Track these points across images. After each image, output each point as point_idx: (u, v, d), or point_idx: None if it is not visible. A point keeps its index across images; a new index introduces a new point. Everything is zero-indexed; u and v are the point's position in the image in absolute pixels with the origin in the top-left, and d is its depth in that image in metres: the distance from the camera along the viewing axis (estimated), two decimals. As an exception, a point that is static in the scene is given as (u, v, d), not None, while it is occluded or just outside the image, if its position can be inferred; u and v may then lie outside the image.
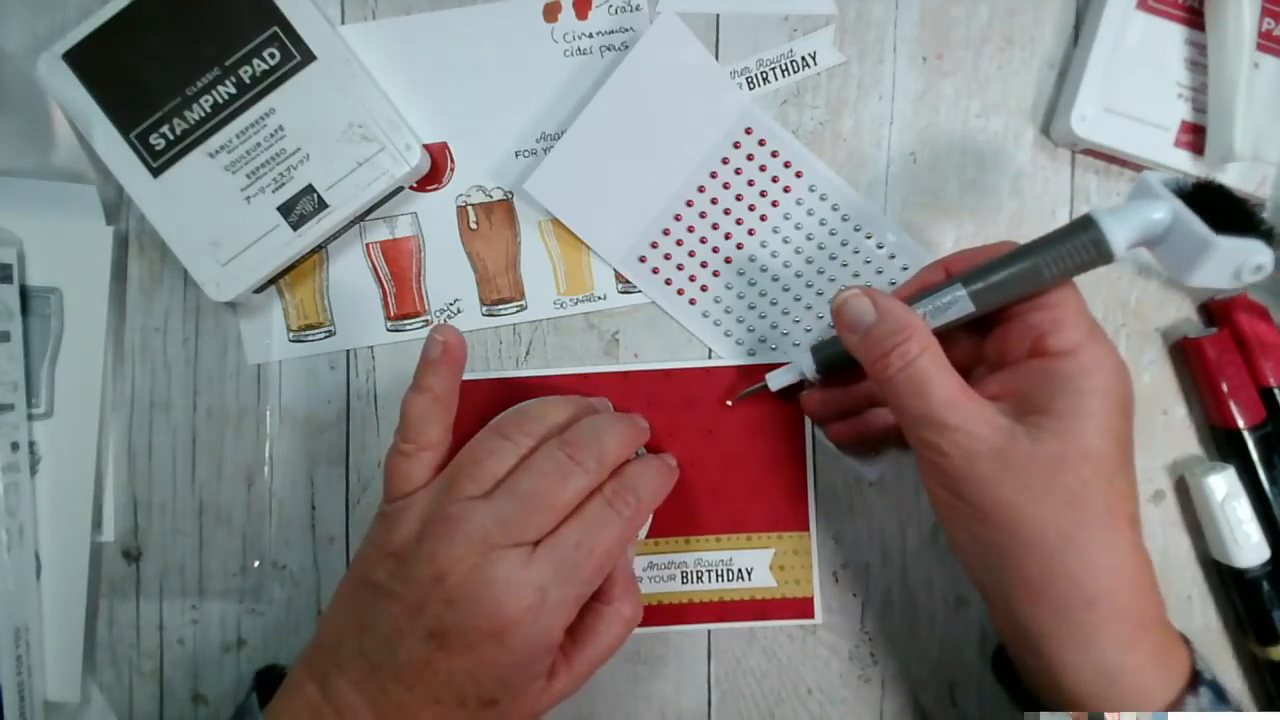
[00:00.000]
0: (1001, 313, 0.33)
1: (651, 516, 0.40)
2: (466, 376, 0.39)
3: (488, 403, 0.40)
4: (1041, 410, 0.30)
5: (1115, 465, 0.30)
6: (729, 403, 0.41)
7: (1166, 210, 0.29)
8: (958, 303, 0.32)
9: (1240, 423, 0.39)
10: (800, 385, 0.39)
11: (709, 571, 0.41)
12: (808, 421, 0.41)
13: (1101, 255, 0.30)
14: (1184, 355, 0.41)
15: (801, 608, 0.41)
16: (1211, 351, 0.39)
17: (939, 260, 0.35)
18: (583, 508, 0.33)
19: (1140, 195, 0.30)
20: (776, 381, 0.39)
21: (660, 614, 0.41)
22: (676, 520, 0.41)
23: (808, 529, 0.41)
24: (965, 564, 0.33)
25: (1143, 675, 0.30)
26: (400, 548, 0.33)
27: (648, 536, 0.41)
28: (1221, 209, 0.29)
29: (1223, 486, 0.39)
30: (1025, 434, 0.30)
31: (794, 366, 0.38)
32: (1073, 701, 0.30)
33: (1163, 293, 0.41)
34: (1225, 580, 0.40)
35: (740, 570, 0.41)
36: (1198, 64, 0.39)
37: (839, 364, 0.36)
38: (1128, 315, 0.41)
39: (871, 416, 0.38)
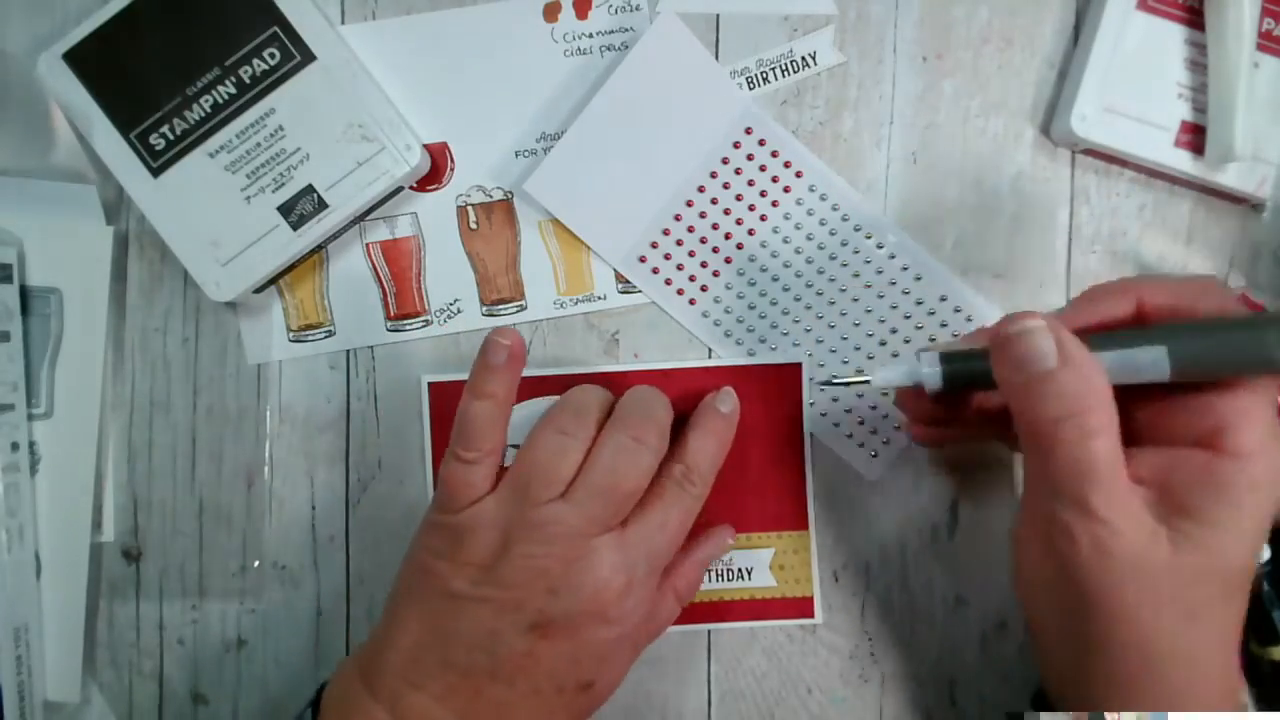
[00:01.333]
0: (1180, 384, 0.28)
1: None
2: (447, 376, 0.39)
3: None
4: (1191, 514, 0.27)
5: (1242, 583, 0.28)
6: (822, 388, 0.40)
7: None
8: (1154, 367, 0.27)
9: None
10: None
11: (709, 571, 0.41)
12: (807, 421, 0.41)
13: None
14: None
15: (802, 607, 0.41)
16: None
17: (1130, 284, 0.30)
18: (659, 488, 0.35)
19: None
20: (882, 379, 0.34)
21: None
22: None
23: (807, 528, 0.41)
24: (1035, 621, 0.32)
25: None
26: (482, 558, 0.33)
27: None
28: None
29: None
30: (1168, 540, 0.27)
31: (911, 371, 0.33)
32: None
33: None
34: (1225, 580, 0.39)
35: (740, 570, 0.41)
36: (1198, 64, 0.39)
37: (969, 382, 0.32)
38: (1128, 315, 0.41)
39: (970, 425, 0.35)
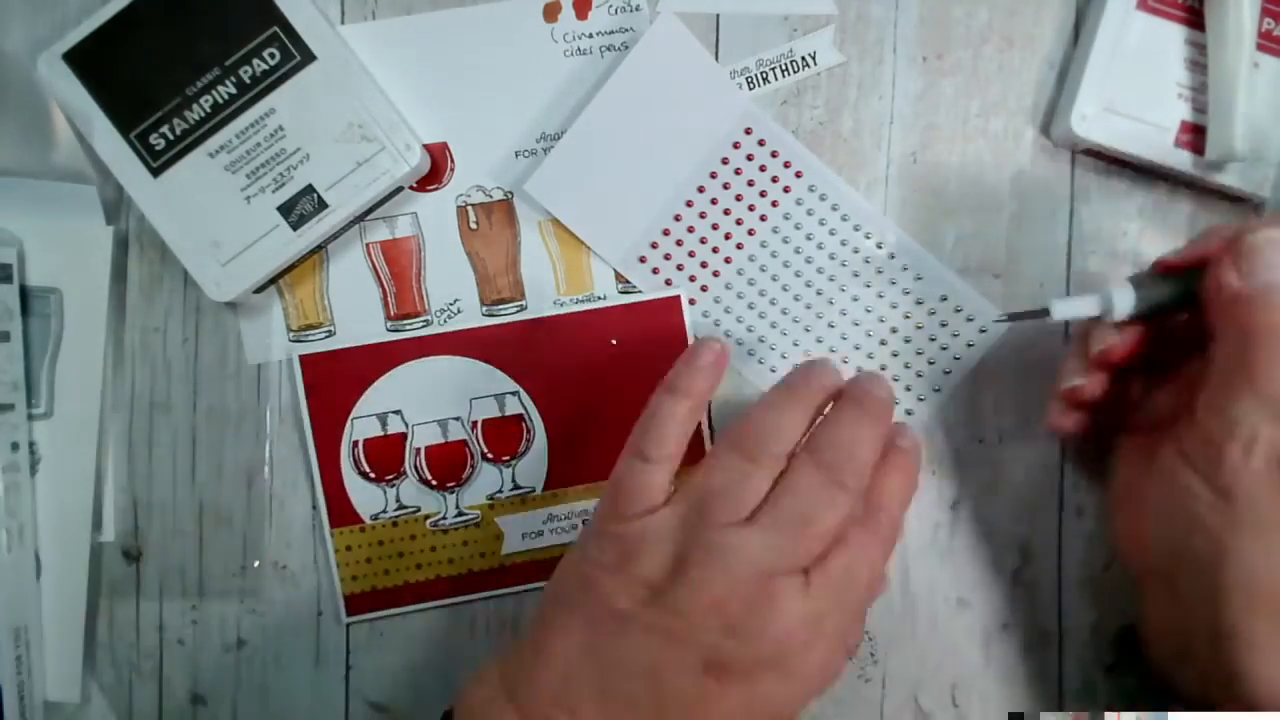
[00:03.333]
0: None
1: None
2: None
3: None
4: None
5: None
6: (998, 320, 0.39)
7: None
8: None
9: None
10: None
11: None
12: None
13: None
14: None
15: None
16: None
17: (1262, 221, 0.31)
18: (846, 534, 0.31)
19: None
20: (1064, 312, 0.33)
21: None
22: (573, 469, 0.41)
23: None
24: (1140, 550, 0.33)
25: None
26: (653, 575, 0.30)
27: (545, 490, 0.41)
28: None
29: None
30: None
31: (1098, 299, 0.32)
32: (1241, 705, 0.29)
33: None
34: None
35: None
36: (1198, 64, 0.39)
37: (1158, 311, 0.32)
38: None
39: (1140, 399, 0.35)
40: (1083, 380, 0.35)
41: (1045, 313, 0.34)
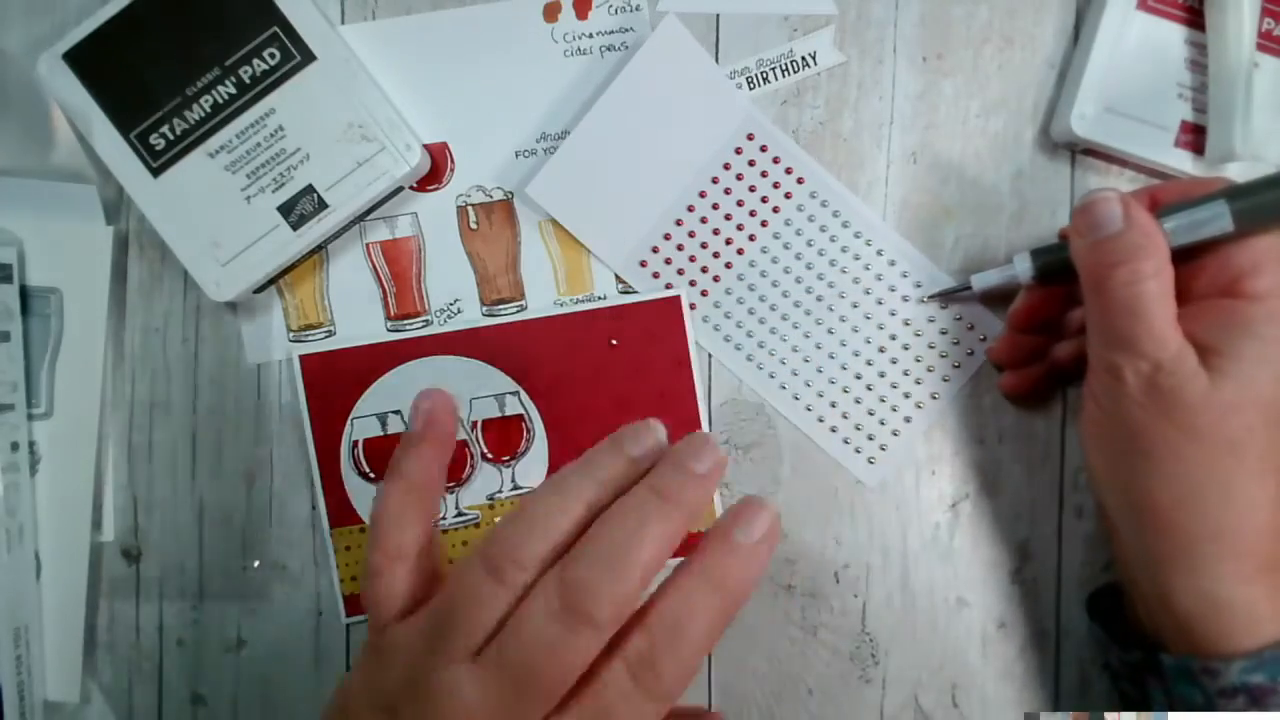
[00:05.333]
0: (1199, 247, 0.32)
1: None
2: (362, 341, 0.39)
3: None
4: (1220, 352, 0.30)
5: (1278, 416, 0.30)
6: (924, 300, 0.41)
7: None
8: (1217, 219, 0.31)
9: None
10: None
11: None
12: (694, 353, 0.41)
13: None
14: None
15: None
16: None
17: (1144, 190, 0.35)
18: (597, 681, 0.25)
19: None
20: (982, 282, 0.38)
21: None
22: None
23: None
24: (1095, 481, 0.35)
25: (1255, 609, 0.30)
26: (390, 699, 0.26)
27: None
28: None
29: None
30: (1205, 377, 0.30)
31: (1007, 268, 0.37)
32: (1177, 630, 0.31)
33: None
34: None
35: None
36: (1198, 64, 0.39)
37: (1057, 273, 0.36)
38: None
39: (1052, 353, 0.38)
40: (991, 343, 0.39)
41: (967, 286, 0.39)
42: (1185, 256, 0.32)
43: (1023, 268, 0.37)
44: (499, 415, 0.41)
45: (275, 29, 0.38)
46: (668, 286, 0.41)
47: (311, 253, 0.40)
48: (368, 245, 0.41)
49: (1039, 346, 0.39)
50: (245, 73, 0.38)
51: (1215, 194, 0.31)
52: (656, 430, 0.28)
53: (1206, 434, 0.30)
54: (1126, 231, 0.30)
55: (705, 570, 0.25)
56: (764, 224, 0.41)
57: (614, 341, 0.41)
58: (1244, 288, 0.31)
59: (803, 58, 0.41)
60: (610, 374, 0.41)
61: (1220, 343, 0.30)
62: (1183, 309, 0.31)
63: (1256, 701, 0.29)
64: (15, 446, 0.39)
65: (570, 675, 0.24)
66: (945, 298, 0.40)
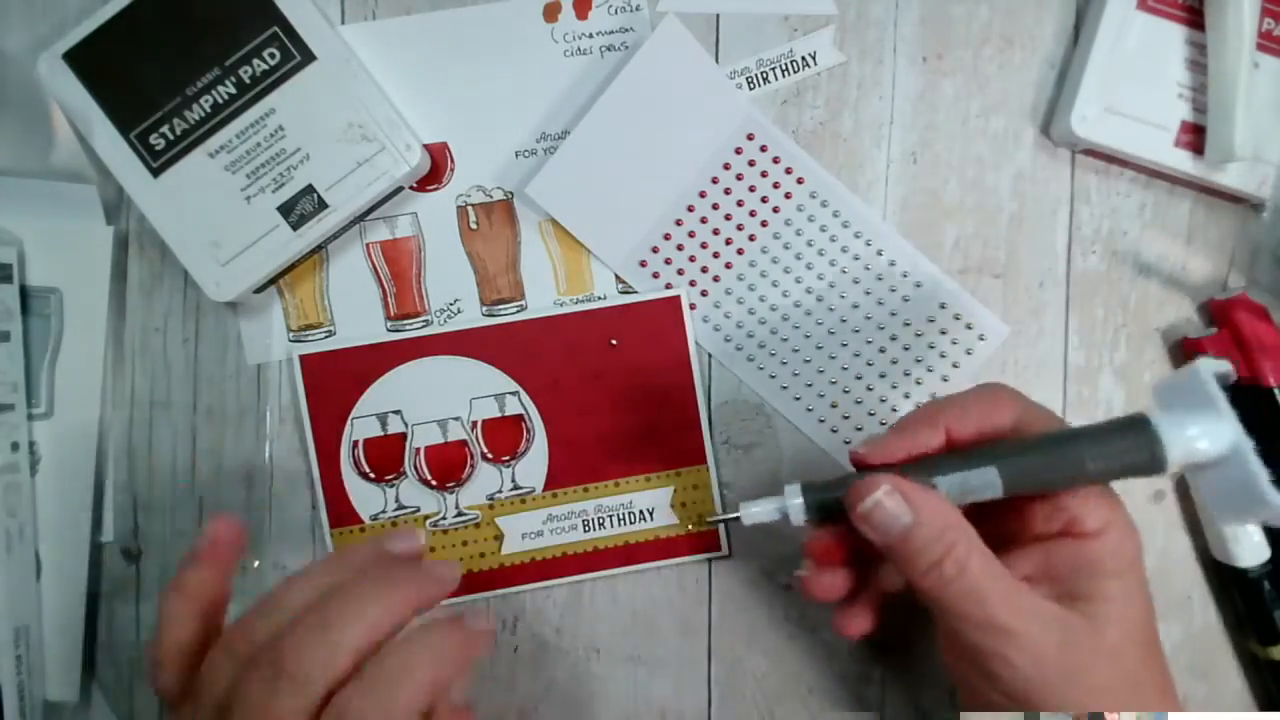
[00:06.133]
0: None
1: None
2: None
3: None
4: (1088, 596, 0.29)
5: (1154, 632, 0.30)
6: (689, 530, 0.40)
7: (1227, 429, 0.27)
8: (989, 487, 0.29)
9: (1241, 423, 0.39)
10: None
11: (610, 517, 0.41)
12: (694, 353, 0.41)
13: (1150, 467, 0.28)
14: (1184, 355, 0.41)
15: (707, 541, 0.41)
16: (1211, 352, 0.39)
17: (929, 413, 0.31)
18: None
19: (1198, 400, 0.27)
20: (751, 518, 0.33)
21: (567, 564, 0.41)
22: (573, 469, 0.41)
23: (705, 462, 0.41)
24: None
25: None
26: None
27: (545, 489, 0.41)
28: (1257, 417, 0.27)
29: (1223, 487, 0.38)
30: (1083, 625, 0.29)
31: (778, 506, 0.33)
32: None
33: (1163, 293, 0.41)
34: (1226, 580, 0.40)
35: (642, 512, 0.41)
36: (1198, 64, 0.39)
37: (835, 511, 0.32)
38: (1128, 315, 0.41)
39: (879, 580, 0.35)
40: (804, 573, 0.35)
41: (736, 518, 0.34)
42: (1010, 500, 0.30)
43: (794, 505, 0.32)
44: (499, 415, 0.41)
45: (275, 29, 0.38)
46: (668, 286, 0.41)
47: (311, 253, 0.40)
48: (368, 245, 0.41)
49: (859, 579, 0.35)
50: (245, 73, 0.38)
51: (986, 456, 0.29)
52: (416, 535, 0.33)
53: (1111, 680, 0.29)
54: (920, 526, 0.29)
55: (418, 634, 0.28)
56: (764, 224, 0.41)
57: (614, 341, 0.41)
58: (1083, 528, 0.30)
59: (803, 58, 0.41)
60: (610, 374, 0.41)
61: (1082, 585, 0.29)
62: (1032, 550, 0.31)
63: None
64: (15, 446, 0.39)
65: None
66: (720, 522, 0.39)
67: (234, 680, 0.27)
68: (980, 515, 0.30)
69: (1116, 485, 0.31)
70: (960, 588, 0.29)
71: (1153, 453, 0.27)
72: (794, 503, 0.32)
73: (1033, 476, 0.29)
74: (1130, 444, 0.28)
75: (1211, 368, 0.28)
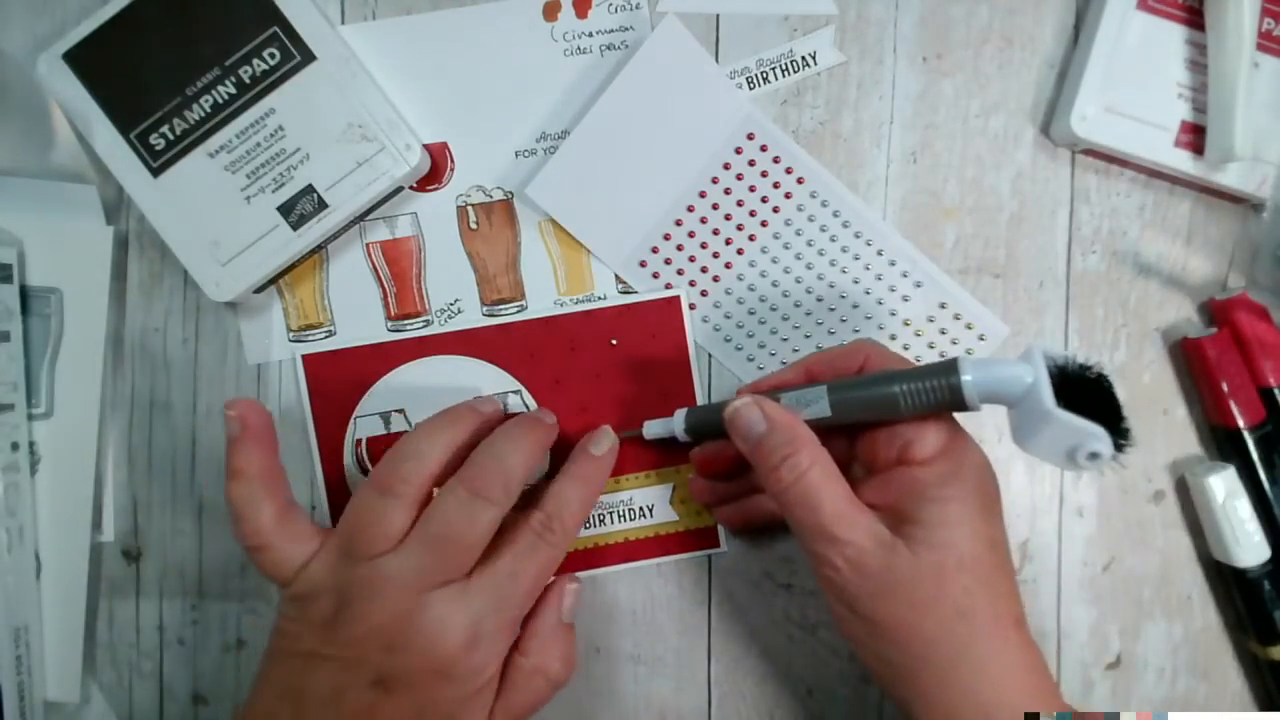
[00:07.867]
0: (872, 420, 0.33)
1: None
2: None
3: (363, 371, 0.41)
4: (913, 520, 0.30)
5: (992, 568, 0.30)
6: (613, 342, 0.41)
7: (1027, 374, 0.29)
8: (818, 403, 0.32)
9: (1240, 423, 0.39)
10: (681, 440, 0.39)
11: (611, 513, 0.41)
12: (694, 353, 0.41)
13: (955, 401, 0.30)
14: (1184, 355, 0.41)
15: (706, 538, 0.41)
16: (1211, 351, 0.39)
17: (801, 361, 0.36)
18: (514, 535, 0.34)
19: (1019, 359, 0.30)
20: (650, 432, 0.39)
21: (567, 562, 0.41)
22: None
23: None
24: (872, 676, 0.34)
25: None
26: (323, 617, 0.32)
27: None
28: (1095, 400, 0.29)
29: (1223, 486, 0.39)
30: (905, 547, 0.30)
31: (668, 423, 0.38)
32: None
33: (1163, 293, 0.41)
34: (1226, 580, 0.40)
35: (641, 508, 0.41)
36: (1198, 64, 0.39)
37: (709, 433, 0.37)
38: (1128, 315, 0.41)
39: (758, 503, 0.39)
40: (691, 477, 0.40)
41: (639, 434, 0.39)
42: (859, 430, 0.33)
43: (678, 425, 0.38)
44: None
45: (275, 29, 0.38)
46: (668, 286, 0.41)
47: (311, 253, 0.40)
48: (368, 245, 0.41)
49: (743, 488, 0.39)
50: (245, 73, 0.38)
51: (824, 387, 0.33)
52: (497, 399, 0.39)
53: (932, 605, 0.29)
54: (771, 433, 0.32)
55: (573, 472, 0.36)
56: (764, 224, 0.41)
57: (614, 341, 0.41)
58: (913, 454, 0.31)
59: (803, 58, 0.41)
60: (610, 374, 0.41)
61: (909, 511, 0.30)
62: (874, 479, 0.32)
63: None
64: (15, 446, 0.39)
65: (479, 541, 0.33)
66: (626, 441, 0.40)
67: (395, 515, 0.32)
68: (849, 446, 0.34)
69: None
70: (797, 493, 0.31)
71: (954, 389, 0.30)
72: (679, 423, 0.38)
73: (856, 400, 0.32)
74: (937, 382, 0.30)
75: (1041, 347, 0.30)
